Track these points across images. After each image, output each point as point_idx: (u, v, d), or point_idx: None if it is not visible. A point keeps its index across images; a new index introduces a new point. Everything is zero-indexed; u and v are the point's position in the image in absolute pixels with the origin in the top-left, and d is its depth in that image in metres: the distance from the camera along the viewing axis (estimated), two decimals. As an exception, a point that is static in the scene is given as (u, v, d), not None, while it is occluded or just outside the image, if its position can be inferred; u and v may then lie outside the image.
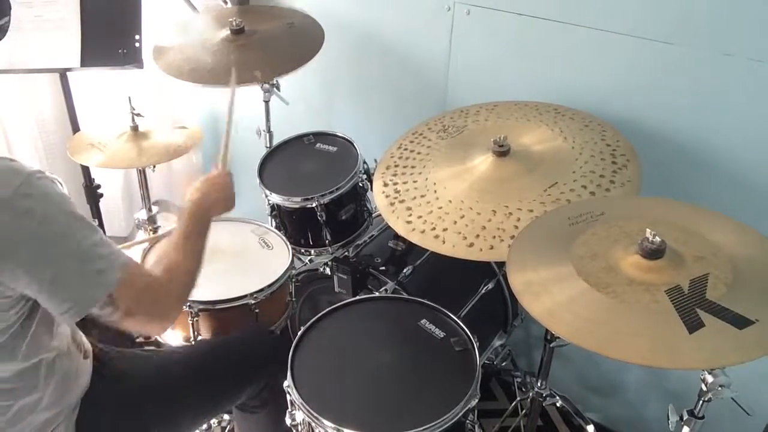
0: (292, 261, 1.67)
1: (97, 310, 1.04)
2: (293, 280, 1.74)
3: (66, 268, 1.00)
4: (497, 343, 1.84)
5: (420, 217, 1.39)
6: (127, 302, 1.06)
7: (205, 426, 1.73)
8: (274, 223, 1.83)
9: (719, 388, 1.04)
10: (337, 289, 1.72)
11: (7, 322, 1.03)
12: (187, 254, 1.20)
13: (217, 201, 1.34)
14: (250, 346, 1.52)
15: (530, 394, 1.70)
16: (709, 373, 1.04)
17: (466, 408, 1.21)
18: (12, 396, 1.09)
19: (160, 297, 1.13)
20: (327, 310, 1.44)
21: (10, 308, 1.02)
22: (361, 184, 1.79)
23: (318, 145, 1.90)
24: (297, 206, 1.76)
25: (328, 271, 1.76)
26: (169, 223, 2.60)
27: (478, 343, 1.33)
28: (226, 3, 2.12)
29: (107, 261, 1.05)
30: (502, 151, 1.42)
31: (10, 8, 1.08)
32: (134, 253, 1.60)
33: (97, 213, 2.13)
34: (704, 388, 1.06)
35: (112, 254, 1.06)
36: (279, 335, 1.69)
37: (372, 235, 1.86)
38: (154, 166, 1.96)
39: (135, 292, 1.08)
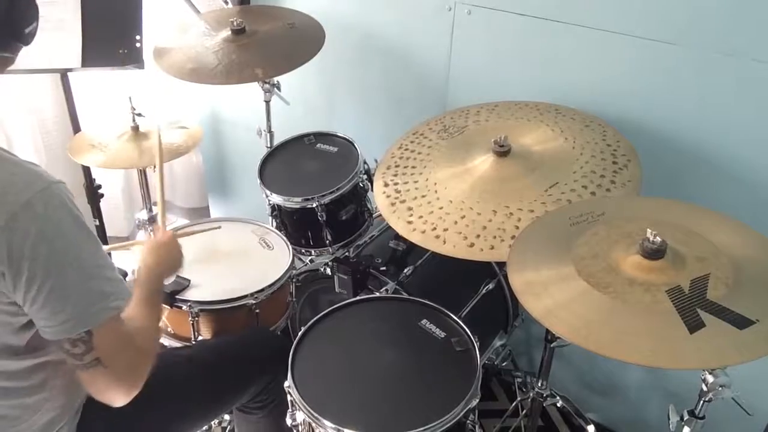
0: (293, 261, 1.67)
1: (69, 346, 1.01)
2: (294, 280, 1.74)
3: (69, 280, 0.99)
4: (498, 343, 1.84)
5: (421, 217, 1.39)
6: (104, 346, 1.03)
7: (205, 426, 1.73)
8: (274, 224, 1.83)
9: (720, 388, 1.04)
10: (337, 290, 1.72)
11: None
12: (152, 321, 1.21)
13: (169, 266, 1.40)
14: (252, 347, 1.52)
15: (531, 394, 1.70)
16: (710, 373, 1.05)
17: (467, 408, 1.21)
18: (18, 394, 1.09)
19: (135, 355, 1.09)
20: (327, 310, 1.44)
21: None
22: (361, 185, 1.79)
23: (318, 145, 1.90)
24: (297, 206, 1.76)
25: (328, 271, 1.75)
26: (169, 223, 2.61)
27: (478, 343, 1.33)
28: (227, 3, 2.12)
29: (113, 285, 1.04)
30: (503, 152, 1.42)
31: (38, 18, 1.07)
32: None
33: (97, 213, 2.13)
34: (705, 388, 1.06)
35: (120, 282, 1.06)
36: (280, 336, 1.69)
37: (373, 236, 1.86)
38: (155, 166, 1.96)
39: (116, 338, 1.05)
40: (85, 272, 1.01)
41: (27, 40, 1.05)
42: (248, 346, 1.52)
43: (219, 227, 1.76)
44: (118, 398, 1.09)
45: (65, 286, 0.99)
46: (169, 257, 1.40)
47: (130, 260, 1.41)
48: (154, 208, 2.15)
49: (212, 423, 1.76)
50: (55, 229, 0.97)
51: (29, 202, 0.96)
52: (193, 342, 1.59)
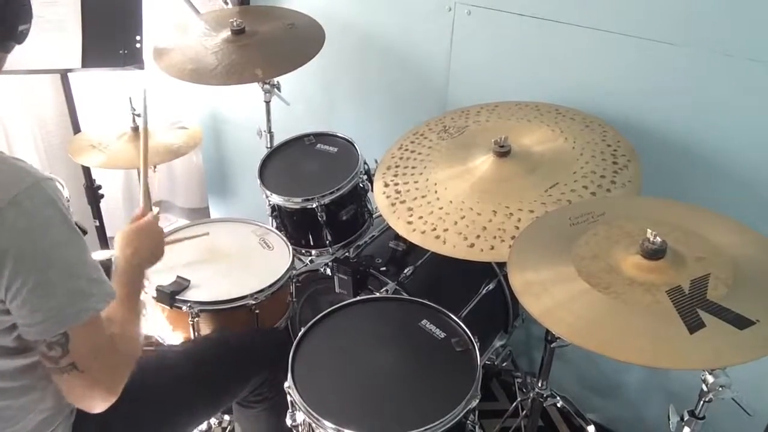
0: (293, 261, 1.67)
1: (45, 348, 1.00)
2: (294, 280, 1.73)
3: (52, 278, 0.97)
4: (498, 343, 1.84)
5: (421, 217, 1.39)
6: (80, 351, 1.01)
7: (205, 426, 1.73)
8: (274, 224, 1.83)
9: (720, 389, 1.04)
10: (337, 290, 1.72)
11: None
12: (132, 318, 1.17)
13: (148, 255, 1.31)
14: (251, 340, 1.52)
15: (531, 395, 1.70)
16: (710, 374, 1.05)
17: (467, 408, 1.21)
18: (11, 394, 1.09)
19: (114, 359, 1.07)
20: (328, 310, 1.44)
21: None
22: (361, 185, 1.79)
23: (319, 145, 1.90)
24: (297, 207, 1.76)
25: (328, 271, 1.76)
26: (168, 223, 2.61)
27: (478, 344, 1.33)
28: (227, 3, 2.12)
29: (96, 287, 1.02)
30: (503, 152, 1.42)
31: (32, 16, 1.07)
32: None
33: (97, 213, 2.13)
34: (705, 389, 1.06)
35: (104, 283, 1.04)
36: (279, 330, 1.68)
37: (373, 236, 1.86)
38: (155, 167, 1.96)
39: (94, 342, 1.03)
40: (69, 271, 0.99)
41: (20, 38, 1.05)
42: (247, 339, 1.52)
43: (207, 233, 1.73)
44: (96, 404, 1.07)
45: (48, 284, 0.97)
46: (149, 245, 1.32)
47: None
48: (154, 208, 2.14)
49: (212, 423, 1.76)
50: (41, 227, 0.96)
51: (16, 198, 0.94)
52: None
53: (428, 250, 1.37)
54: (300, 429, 1.28)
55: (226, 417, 1.78)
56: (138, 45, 1.83)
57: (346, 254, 1.79)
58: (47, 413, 1.13)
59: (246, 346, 1.49)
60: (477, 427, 1.27)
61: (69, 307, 0.99)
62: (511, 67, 1.75)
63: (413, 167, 1.53)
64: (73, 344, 1.00)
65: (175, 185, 2.76)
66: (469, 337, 1.35)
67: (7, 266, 0.95)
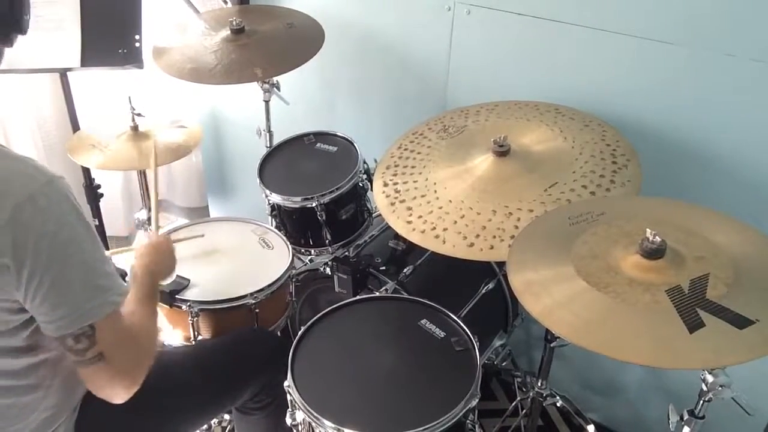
0: (292, 261, 1.67)
1: (72, 341, 1.02)
2: (293, 279, 1.74)
3: (70, 274, 1.00)
4: (497, 343, 1.84)
5: (420, 216, 1.39)
6: (106, 341, 1.04)
7: (205, 426, 1.73)
8: (274, 223, 1.83)
9: (719, 388, 1.04)
10: (337, 289, 1.72)
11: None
12: (150, 319, 1.21)
13: (164, 268, 1.41)
14: (251, 346, 1.52)
15: (530, 394, 1.71)
16: (710, 373, 1.05)
17: (467, 408, 1.21)
18: (15, 393, 1.09)
19: (135, 350, 1.11)
20: (327, 310, 1.44)
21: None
22: (361, 184, 1.79)
23: (318, 144, 1.90)
24: (297, 206, 1.76)
25: (328, 270, 1.76)
26: (168, 223, 2.61)
27: (478, 343, 1.33)
28: (226, 3, 2.12)
29: (111, 280, 1.05)
30: (503, 151, 1.42)
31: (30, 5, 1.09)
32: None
33: (97, 213, 2.13)
34: (705, 388, 1.06)
35: (117, 277, 1.07)
36: (278, 335, 1.69)
37: (372, 235, 1.86)
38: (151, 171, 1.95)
39: (117, 332, 1.07)
40: (86, 266, 1.01)
41: (24, 29, 1.06)
42: (246, 345, 1.52)
43: (202, 235, 1.75)
44: (119, 394, 1.09)
45: (66, 279, 0.99)
46: (164, 260, 1.41)
47: (129, 261, 1.41)
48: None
49: (212, 423, 1.76)
50: (57, 223, 0.98)
51: (32, 196, 0.96)
52: (192, 341, 1.59)
53: (428, 250, 1.37)
54: (300, 428, 1.29)
55: (227, 416, 1.77)
56: (137, 44, 1.83)
57: (346, 253, 1.79)
58: (51, 411, 1.14)
59: (244, 352, 1.50)
60: (476, 426, 1.27)
61: (89, 301, 1.02)
62: (510, 67, 1.75)
63: (413, 167, 1.53)
64: (99, 335, 1.03)
65: (174, 184, 2.76)
66: (469, 337, 1.35)
67: (26, 264, 0.96)
